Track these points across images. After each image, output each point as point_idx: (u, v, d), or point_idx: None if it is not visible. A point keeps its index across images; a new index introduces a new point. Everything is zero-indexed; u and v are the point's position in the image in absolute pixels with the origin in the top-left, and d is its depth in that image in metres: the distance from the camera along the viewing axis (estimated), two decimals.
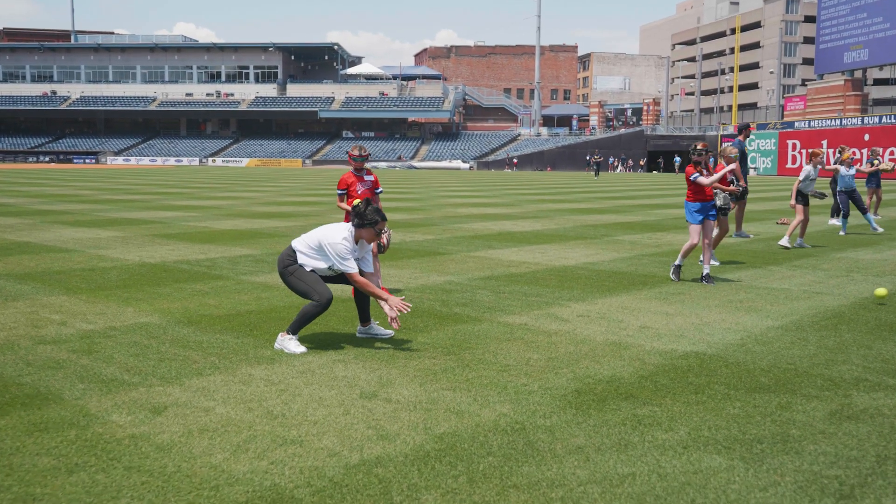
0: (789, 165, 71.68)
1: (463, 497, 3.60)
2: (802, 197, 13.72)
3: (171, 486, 3.66)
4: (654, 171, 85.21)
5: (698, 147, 9.81)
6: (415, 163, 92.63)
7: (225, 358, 5.94)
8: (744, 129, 16.29)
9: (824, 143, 68.55)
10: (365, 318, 6.71)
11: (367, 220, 6.29)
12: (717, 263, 11.32)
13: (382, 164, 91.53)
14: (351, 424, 4.51)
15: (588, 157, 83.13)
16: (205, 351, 6.14)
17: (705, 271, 9.89)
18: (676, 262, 10.05)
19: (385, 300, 6.22)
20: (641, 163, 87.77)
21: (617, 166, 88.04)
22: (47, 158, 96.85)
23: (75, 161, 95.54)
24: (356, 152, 8.78)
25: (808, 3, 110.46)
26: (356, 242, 6.38)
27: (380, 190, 9.04)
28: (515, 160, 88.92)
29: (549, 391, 5.21)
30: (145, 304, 7.97)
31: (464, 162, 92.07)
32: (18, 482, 3.67)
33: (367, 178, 8.88)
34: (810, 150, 14.20)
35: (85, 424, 4.44)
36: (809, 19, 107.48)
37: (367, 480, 3.76)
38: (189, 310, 7.74)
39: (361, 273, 6.46)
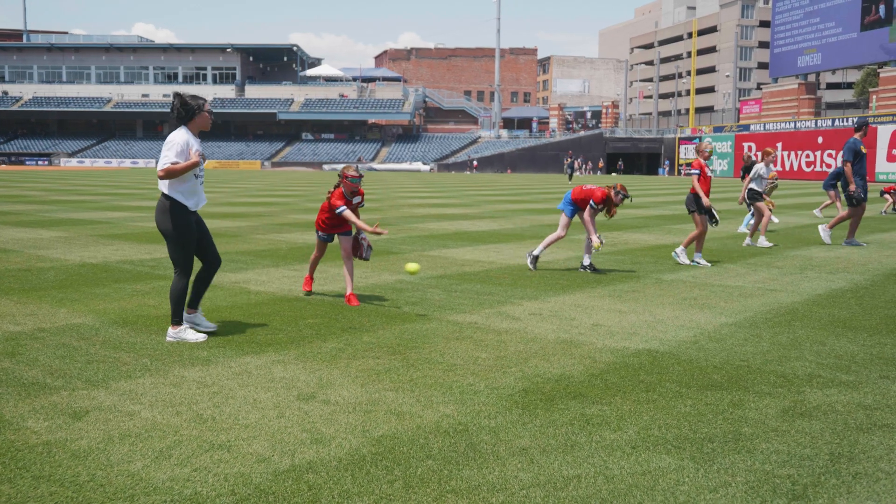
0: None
1: (397, 503, 3.38)
2: (756, 194, 13.77)
3: (83, 496, 3.39)
4: (613, 173, 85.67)
5: (622, 191, 10.13)
6: (375, 165, 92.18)
7: (157, 359, 5.65)
8: (862, 126, 13.68)
9: (779, 145, 69.52)
10: (194, 305, 6.49)
11: (189, 107, 6.17)
12: (708, 265, 11.08)
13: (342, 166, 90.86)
14: (284, 428, 4.27)
15: (564, 160, 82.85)
16: (137, 352, 5.84)
17: (586, 261, 10.39)
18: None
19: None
20: (600, 165, 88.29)
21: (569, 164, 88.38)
22: None
23: (27, 163, 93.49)
24: (352, 171, 7.86)
25: (763, 8, 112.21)
26: (196, 136, 6.26)
27: (362, 205, 8.24)
28: (476, 162, 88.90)
29: (495, 391, 5.01)
30: (80, 305, 7.63)
31: (424, 164, 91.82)
32: None
33: (354, 199, 7.98)
34: (763, 150, 14.27)
35: None
36: (764, 24, 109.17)
37: (296, 487, 3.52)
38: (126, 310, 7.41)
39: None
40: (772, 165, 14.32)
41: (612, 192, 10.06)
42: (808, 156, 67.69)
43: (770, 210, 13.81)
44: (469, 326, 6.92)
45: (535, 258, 10.42)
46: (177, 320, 6.26)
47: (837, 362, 5.82)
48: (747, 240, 13.91)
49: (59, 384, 5.00)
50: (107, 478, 3.58)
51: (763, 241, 13.64)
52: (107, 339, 6.27)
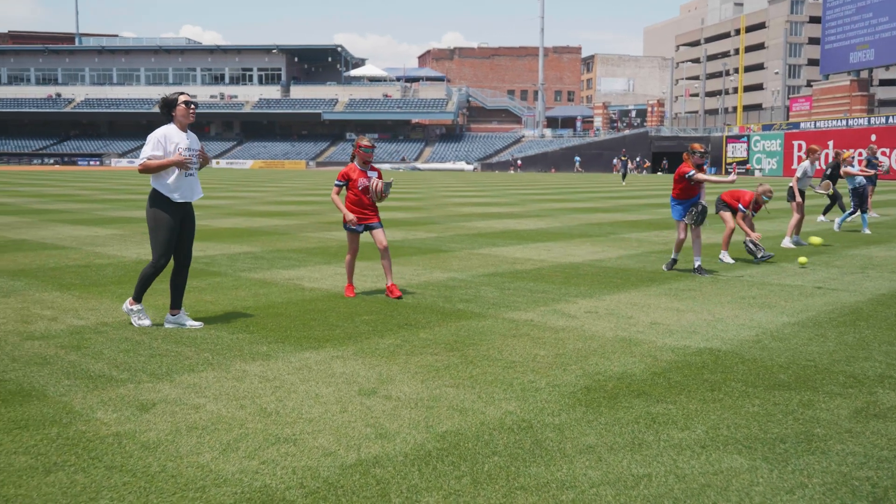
0: (794, 166, 71.27)
1: (467, 499, 3.35)
2: (799, 193, 13.48)
3: (154, 486, 3.42)
4: (658, 173, 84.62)
5: (700, 149, 9.77)
6: (418, 164, 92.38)
7: (218, 354, 5.70)
8: None
9: (830, 143, 68.20)
10: (176, 305, 6.64)
11: (168, 100, 6.39)
12: (731, 262, 11.00)
13: (386, 166, 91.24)
14: (348, 422, 4.26)
15: (616, 160, 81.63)
16: (198, 347, 5.90)
17: (697, 263, 9.99)
18: (672, 256, 10.26)
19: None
20: (646, 164, 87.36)
21: (620, 166, 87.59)
22: (52, 160, 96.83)
23: (80, 163, 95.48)
24: (366, 142, 8.07)
25: (813, 4, 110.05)
26: (183, 131, 6.43)
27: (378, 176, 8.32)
28: (520, 161, 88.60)
29: (557, 388, 4.95)
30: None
31: (467, 164, 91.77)
32: None
33: (370, 173, 8.13)
34: (809, 147, 13.94)
35: (67, 422, 4.20)
36: (814, 20, 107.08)
37: (364, 481, 3.51)
38: (184, 306, 7.47)
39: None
40: (817, 164, 13.98)
41: (695, 163, 9.75)
42: (860, 154, 66.36)
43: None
44: (525, 324, 6.87)
45: (673, 261, 10.19)
46: (136, 297, 6.60)
47: None
48: (795, 237, 13.50)
49: (124, 377, 5.07)
50: (177, 469, 3.60)
51: (787, 242, 13.28)
52: (167, 333, 6.34)
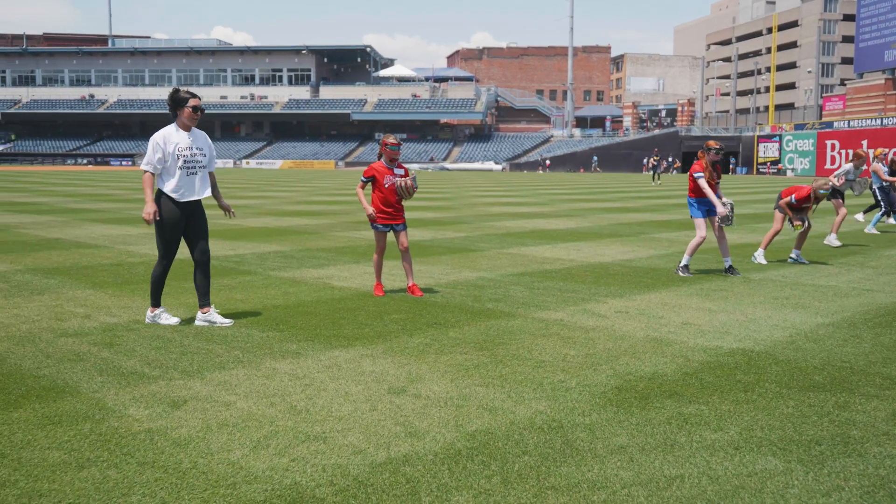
0: (828, 166, 70.44)
1: (497, 499, 3.33)
2: (839, 193, 13.26)
3: (186, 482, 3.43)
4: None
5: (715, 146, 9.65)
6: (446, 164, 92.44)
7: (249, 352, 5.72)
8: None
9: (864, 142, 67.25)
10: (203, 304, 6.67)
11: (177, 99, 6.40)
12: (764, 262, 10.88)
13: (415, 166, 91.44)
14: (378, 421, 4.26)
15: (646, 160, 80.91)
16: (229, 345, 5.93)
17: (727, 263, 9.81)
18: (683, 263, 9.78)
19: None
20: (676, 164, 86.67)
21: (651, 166, 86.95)
22: (85, 161, 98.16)
23: (112, 163, 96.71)
24: (392, 139, 8.00)
25: (847, 2, 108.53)
26: (186, 131, 6.46)
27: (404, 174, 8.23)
28: (548, 162, 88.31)
29: (587, 388, 4.92)
30: (171, 299, 7.79)
31: (496, 164, 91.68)
32: (25, 477, 3.46)
33: (397, 171, 8.08)
34: (855, 151, 13.75)
35: (100, 418, 4.24)
36: (848, 18, 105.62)
37: (394, 480, 3.50)
38: (215, 304, 7.53)
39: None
40: (862, 168, 13.74)
41: (710, 160, 9.67)
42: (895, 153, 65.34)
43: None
44: (555, 324, 6.83)
45: (685, 267, 9.84)
46: (154, 303, 6.67)
47: None
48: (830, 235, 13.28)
49: (156, 374, 5.11)
50: (208, 465, 3.62)
51: (833, 239, 13.08)
52: (199, 331, 6.38)
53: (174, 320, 6.64)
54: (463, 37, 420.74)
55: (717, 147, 9.60)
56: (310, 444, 3.91)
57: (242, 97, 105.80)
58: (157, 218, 6.38)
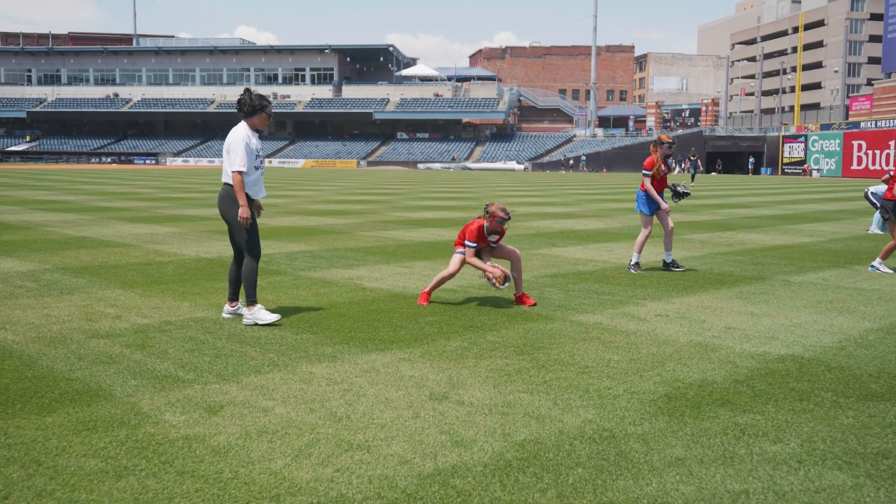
0: (854, 167, 69.57)
1: None
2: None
3: (228, 494, 3.30)
4: (713, 173, 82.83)
5: (668, 140, 9.77)
6: (469, 164, 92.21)
7: (284, 355, 5.59)
8: None
9: (892, 143, 66.35)
10: (234, 298, 6.75)
11: (251, 104, 6.42)
12: (889, 271, 10.39)
13: (437, 165, 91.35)
14: (422, 429, 4.10)
15: (686, 159, 79.89)
16: (262, 347, 5.80)
17: (668, 259, 10.01)
18: (634, 261, 9.93)
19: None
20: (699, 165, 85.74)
21: (674, 168, 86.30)
22: (109, 159, 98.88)
23: (136, 162, 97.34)
24: (501, 214, 7.30)
25: (874, 1, 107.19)
26: (253, 130, 6.51)
27: (497, 240, 7.69)
28: (571, 161, 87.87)
29: (635, 395, 4.74)
30: (201, 299, 7.69)
31: (518, 163, 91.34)
32: (62, 486, 3.34)
33: (491, 237, 7.54)
34: None
35: (136, 424, 4.12)
36: (876, 17, 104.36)
37: (444, 493, 3.34)
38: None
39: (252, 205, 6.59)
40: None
41: (664, 153, 9.83)
42: None
43: None
44: (595, 327, 6.65)
45: (636, 265, 9.97)
46: (252, 301, 6.55)
47: None
48: None
49: (191, 377, 4.98)
50: (249, 476, 3.48)
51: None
52: (231, 333, 6.26)
53: (275, 316, 6.54)
54: (486, 36, 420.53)
55: (670, 141, 9.82)
56: (353, 453, 3.76)
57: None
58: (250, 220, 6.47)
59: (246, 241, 6.55)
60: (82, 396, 4.56)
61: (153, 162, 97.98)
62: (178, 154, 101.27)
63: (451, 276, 7.61)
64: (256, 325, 6.47)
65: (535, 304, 7.52)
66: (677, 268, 9.99)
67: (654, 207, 9.85)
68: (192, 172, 63.24)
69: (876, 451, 3.89)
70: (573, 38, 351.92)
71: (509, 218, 7.44)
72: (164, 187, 33.79)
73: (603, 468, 3.63)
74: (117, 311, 7.09)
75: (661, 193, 9.90)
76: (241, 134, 6.41)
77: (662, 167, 9.78)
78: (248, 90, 6.56)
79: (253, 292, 6.56)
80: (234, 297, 6.82)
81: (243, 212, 6.36)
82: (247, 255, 6.57)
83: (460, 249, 7.60)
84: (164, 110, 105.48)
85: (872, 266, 10.19)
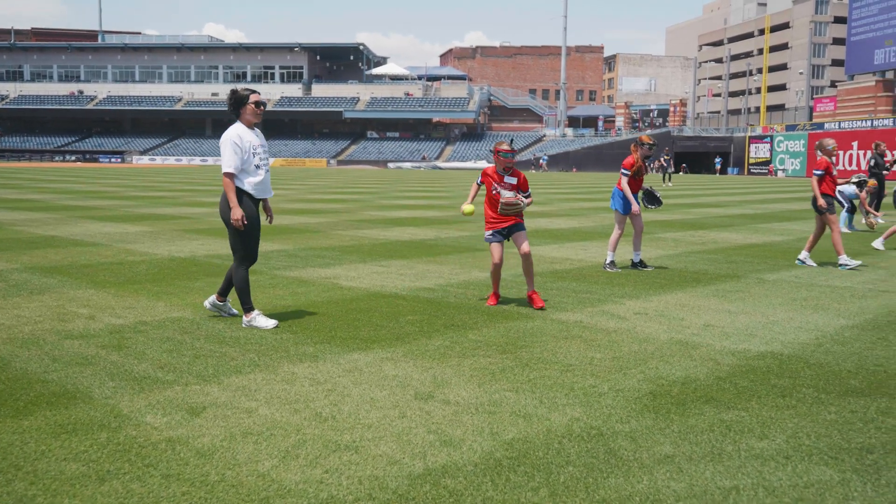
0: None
1: None
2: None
3: (216, 497, 3.23)
4: (679, 173, 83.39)
5: (649, 141, 9.76)
6: (439, 163, 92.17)
7: (264, 355, 5.52)
8: None
9: (854, 144, 67.38)
10: (224, 293, 6.63)
11: (238, 97, 6.29)
12: (813, 265, 10.60)
13: (407, 164, 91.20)
14: (409, 429, 4.06)
15: (657, 160, 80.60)
16: (242, 347, 5.72)
17: (637, 258, 10.05)
18: (609, 259, 9.95)
19: None
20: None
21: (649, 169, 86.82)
22: (74, 157, 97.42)
23: (101, 160, 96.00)
24: (505, 146, 7.25)
25: (838, 4, 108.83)
26: (251, 128, 6.36)
27: (527, 193, 7.46)
28: (541, 161, 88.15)
29: (621, 393, 4.74)
30: (177, 299, 7.58)
31: (488, 163, 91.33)
32: (44, 491, 3.25)
33: (508, 178, 7.35)
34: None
35: (117, 426, 4.03)
36: (839, 20, 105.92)
37: (436, 493, 3.31)
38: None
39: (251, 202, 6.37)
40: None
41: (643, 154, 9.84)
42: (885, 155, 65.38)
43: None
44: (575, 325, 6.65)
45: (612, 263, 10.00)
46: (248, 308, 6.40)
47: None
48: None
49: (170, 378, 4.90)
50: (237, 478, 3.42)
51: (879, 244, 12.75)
52: (209, 333, 6.17)
53: (272, 323, 6.37)
54: (456, 35, 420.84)
55: (651, 142, 9.79)
56: (341, 454, 3.71)
57: None
58: (245, 222, 6.21)
59: (238, 244, 6.33)
60: (59, 399, 4.46)
61: (119, 160, 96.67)
62: (144, 152, 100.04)
63: (496, 266, 7.48)
64: (256, 328, 6.34)
65: (543, 307, 7.26)
66: (644, 268, 10.02)
67: (629, 208, 9.86)
68: (159, 171, 62.51)
69: (860, 447, 3.92)
70: (543, 38, 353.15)
71: (513, 150, 7.32)
72: (132, 186, 33.35)
73: (593, 466, 3.62)
74: (90, 311, 6.96)
75: (636, 193, 9.92)
76: (229, 134, 6.24)
77: (642, 168, 9.79)
78: (232, 89, 6.41)
79: (247, 299, 6.39)
80: (223, 293, 6.65)
81: (234, 213, 6.14)
82: (235, 260, 6.40)
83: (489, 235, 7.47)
84: (131, 108, 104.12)
85: (841, 265, 10.34)
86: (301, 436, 3.94)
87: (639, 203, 10.00)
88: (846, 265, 10.25)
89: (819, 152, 10.61)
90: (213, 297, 6.76)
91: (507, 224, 7.39)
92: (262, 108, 6.37)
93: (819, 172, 10.36)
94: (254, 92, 6.39)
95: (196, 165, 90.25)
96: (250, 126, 6.38)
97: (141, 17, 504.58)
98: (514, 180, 7.37)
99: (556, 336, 6.24)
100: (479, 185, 7.58)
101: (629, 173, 9.76)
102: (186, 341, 5.88)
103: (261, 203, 6.54)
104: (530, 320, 6.83)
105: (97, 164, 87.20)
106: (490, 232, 7.44)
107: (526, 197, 7.42)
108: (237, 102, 6.33)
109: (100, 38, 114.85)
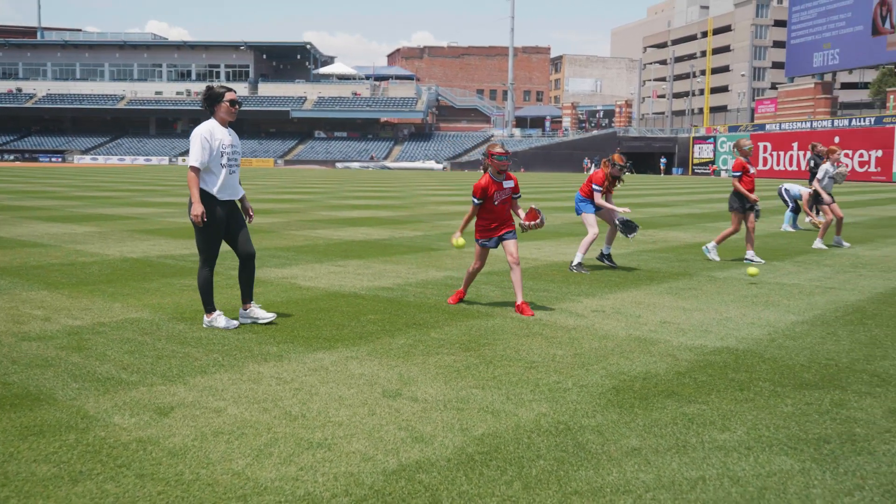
0: (760, 167, 72.15)
1: None
2: (827, 195, 13.41)
3: (192, 495, 3.23)
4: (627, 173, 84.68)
5: (621, 162, 9.89)
6: (388, 163, 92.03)
7: (228, 355, 5.49)
8: None
9: (794, 144, 69.13)
10: (246, 300, 6.52)
11: (213, 94, 6.22)
12: (761, 261, 10.95)
13: (355, 164, 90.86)
14: (380, 426, 4.10)
15: (585, 161, 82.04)
16: (205, 348, 5.69)
17: (607, 251, 10.32)
18: (577, 261, 9.90)
19: None
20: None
21: (590, 167, 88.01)
22: (12, 157, 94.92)
23: (41, 160, 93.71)
24: (499, 149, 7.09)
25: (778, 8, 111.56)
26: (224, 127, 6.27)
27: (518, 195, 7.40)
28: None
29: (585, 389, 4.83)
30: (133, 300, 7.48)
31: (437, 163, 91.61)
32: (16, 493, 3.21)
33: (506, 183, 7.21)
34: (826, 148, 13.90)
35: (85, 427, 3.99)
36: (779, 23, 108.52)
37: (412, 488, 3.35)
38: (181, 305, 7.27)
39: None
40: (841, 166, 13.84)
41: (611, 174, 9.99)
42: (823, 156, 67.17)
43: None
44: (535, 323, 6.75)
45: (580, 265, 10.03)
46: (208, 308, 6.35)
47: None
48: (836, 238, 13.37)
49: (135, 379, 4.85)
50: (212, 476, 3.42)
51: (818, 244, 13.09)
52: (170, 334, 6.12)
53: (234, 323, 6.33)
54: (404, 35, 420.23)
55: (622, 164, 9.91)
56: (314, 451, 3.73)
57: (178, 93, 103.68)
58: (205, 219, 6.10)
59: (202, 244, 6.25)
60: (23, 401, 4.39)
61: (60, 160, 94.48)
62: (86, 152, 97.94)
63: (476, 270, 7.53)
64: (215, 327, 6.32)
65: (533, 315, 7.03)
66: (610, 263, 10.18)
67: (595, 207, 9.91)
68: (102, 171, 61.26)
69: (817, 437, 4.07)
70: (491, 38, 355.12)
71: (507, 153, 7.17)
72: (76, 186, 32.66)
73: (563, 459, 3.70)
74: (45, 312, 6.84)
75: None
76: (199, 129, 6.15)
77: (611, 185, 9.95)
78: (207, 86, 6.33)
79: (209, 299, 6.33)
80: (246, 299, 6.52)
81: (194, 209, 6.06)
82: (199, 260, 6.33)
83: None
84: (72, 106, 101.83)
85: (706, 248, 11.23)
86: (272, 434, 3.94)
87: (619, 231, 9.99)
88: (709, 253, 11.17)
89: (736, 152, 10.94)
90: (241, 311, 6.56)
91: (501, 232, 7.28)
92: (236, 106, 6.31)
93: (736, 174, 10.69)
94: (230, 90, 6.30)
95: (140, 165, 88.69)
96: (224, 124, 6.31)
97: (82, 15, 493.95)
98: (510, 184, 7.26)
99: (518, 334, 6.33)
100: (476, 206, 7.21)
101: (601, 189, 9.83)
102: (147, 342, 5.82)
103: (238, 203, 6.49)
104: (491, 318, 6.91)
105: (37, 164, 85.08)
106: (483, 239, 7.32)
107: (517, 198, 7.41)
108: (212, 99, 6.24)
109: (39, 34, 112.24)
